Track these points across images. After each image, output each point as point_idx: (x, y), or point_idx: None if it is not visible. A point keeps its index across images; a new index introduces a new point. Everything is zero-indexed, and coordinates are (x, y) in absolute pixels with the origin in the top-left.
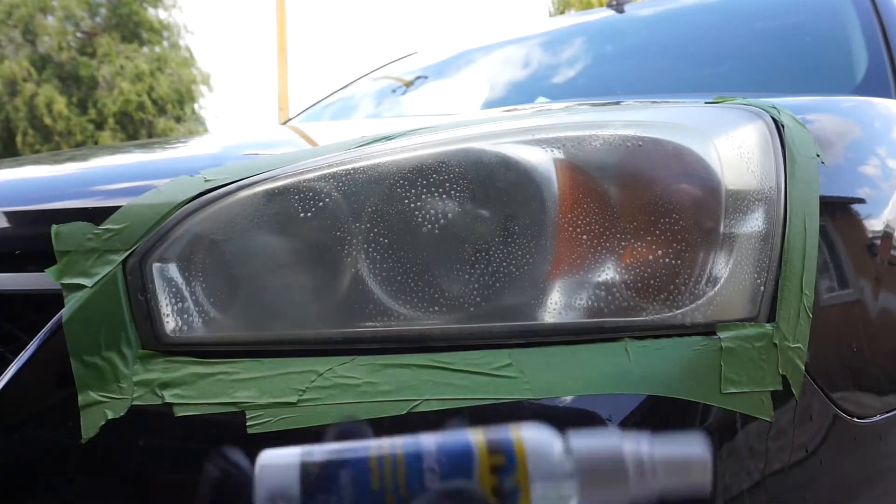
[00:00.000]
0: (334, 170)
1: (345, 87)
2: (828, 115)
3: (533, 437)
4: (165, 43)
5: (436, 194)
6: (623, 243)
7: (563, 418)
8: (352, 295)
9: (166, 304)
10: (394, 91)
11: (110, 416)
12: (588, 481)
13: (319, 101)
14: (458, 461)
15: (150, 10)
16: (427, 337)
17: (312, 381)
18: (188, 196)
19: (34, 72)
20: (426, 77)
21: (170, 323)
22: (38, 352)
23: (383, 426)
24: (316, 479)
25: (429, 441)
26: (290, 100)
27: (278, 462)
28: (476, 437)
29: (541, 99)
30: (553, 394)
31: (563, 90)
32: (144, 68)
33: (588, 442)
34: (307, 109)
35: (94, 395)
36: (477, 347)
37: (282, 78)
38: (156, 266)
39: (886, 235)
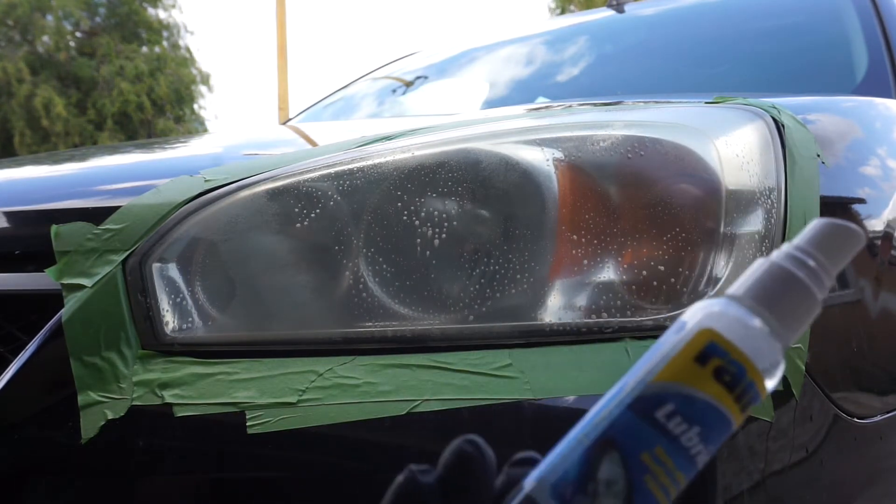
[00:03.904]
0: (334, 170)
1: (345, 86)
2: (828, 115)
3: (748, 347)
4: (165, 43)
5: (436, 194)
6: (623, 243)
7: (564, 418)
8: (352, 295)
9: (166, 305)
10: (394, 91)
11: (110, 416)
12: (786, 324)
13: (319, 101)
14: (715, 424)
15: (150, 10)
16: (427, 337)
17: (312, 381)
18: (188, 196)
19: (28, 72)
20: (427, 77)
21: (169, 323)
22: (38, 352)
23: (384, 426)
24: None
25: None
26: (290, 100)
27: None
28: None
29: (541, 99)
30: (553, 394)
31: (563, 90)
32: (144, 68)
33: (766, 289)
34: (307, 109)
35: (94, 396)
36: (477, 347)
37: (282, 78)
38: (156, 266)
39: (886, 235)
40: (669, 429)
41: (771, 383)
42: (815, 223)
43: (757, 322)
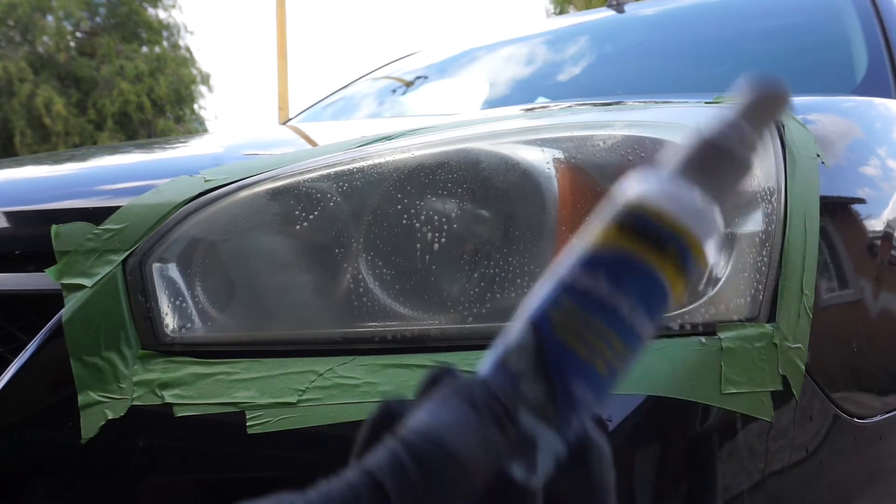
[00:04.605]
0: (334, 170)
1: (345, 86)
2: (828, 115)
3: (674, 209)
4: (165, 43)
5: (436, 194)
6: None
7: None
8: (352, 295)
9: (166, 305)
10: (394, 91)
11: (110, 416)
12: (720, 190)
13: (319, 101)
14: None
15: (150, 10)
16: (427, 337)
17: (312, 381)
18: (188, 196)
19: (29, 71)
20: (427, 77)
21: (170, 323)
22: (38, 352)
23: None
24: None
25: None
26: (290, 100)
27: None
28: (636, 256)
29: (541, 99)
30: None
31: (563, 90)
32: (144, 68)
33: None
34: (307, 109)
35: (94, 396)
36: (477, 347)
37: (282, 78)
38: (156, 266)
39: (886, 235)
40: (569, 281)
41: (709, 243)
42: (742, 94)
43: (667, 175)
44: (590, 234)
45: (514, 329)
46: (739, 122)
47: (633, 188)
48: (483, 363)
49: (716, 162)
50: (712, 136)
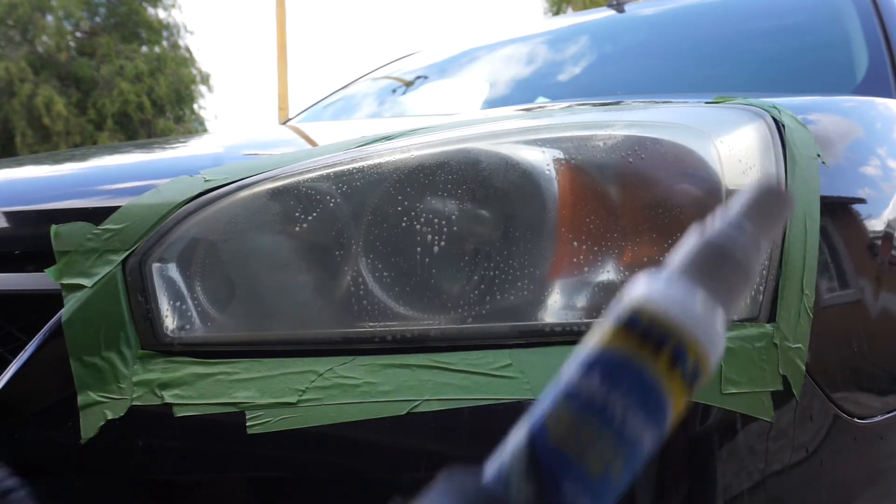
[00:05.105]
0: (334, 170)
1: (345, 86)
2: (828, 115)
3: (671, 311)
4: (165, 43)
5: (436, 194)
6: (623, 243)
7: None
8: (352, 295)
9: (166, 305)
10: (394, 91)
11: (110, 416)
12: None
13: (319, 101)
14: (648, 395)
15: (150, 10)
16: (427, 337)
17: (312, 382)
18: (188, 196)
19: (29, 71)
20: (427, 77)
21: (169, 323)
22: (38, 352)
23: (384, 426)
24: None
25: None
26: (290, 100)
27: None
28: (639, 362)
29: (541, 99)
30: None
31: (563, 90)
32: (144, 68)
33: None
34: (307, 109)
35: (94, 396)
36: (477, 347)
37: (282, 78)
38: (155, 266)
39: (887, 235)
40: (565, 382)
41: (708, 347)
42: (747, 191)
43: (669, 276)
44: (592, 337)
45: (515, 433)
46: (742, 224)
47: (634, 290)
48: (485, 466)
49: (717, 265)
50: (714, 237)
